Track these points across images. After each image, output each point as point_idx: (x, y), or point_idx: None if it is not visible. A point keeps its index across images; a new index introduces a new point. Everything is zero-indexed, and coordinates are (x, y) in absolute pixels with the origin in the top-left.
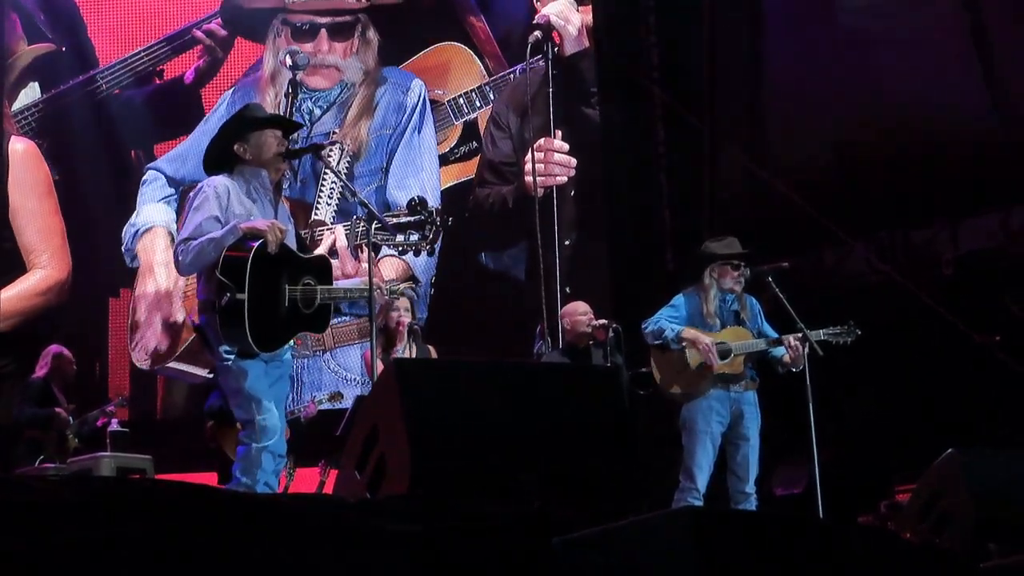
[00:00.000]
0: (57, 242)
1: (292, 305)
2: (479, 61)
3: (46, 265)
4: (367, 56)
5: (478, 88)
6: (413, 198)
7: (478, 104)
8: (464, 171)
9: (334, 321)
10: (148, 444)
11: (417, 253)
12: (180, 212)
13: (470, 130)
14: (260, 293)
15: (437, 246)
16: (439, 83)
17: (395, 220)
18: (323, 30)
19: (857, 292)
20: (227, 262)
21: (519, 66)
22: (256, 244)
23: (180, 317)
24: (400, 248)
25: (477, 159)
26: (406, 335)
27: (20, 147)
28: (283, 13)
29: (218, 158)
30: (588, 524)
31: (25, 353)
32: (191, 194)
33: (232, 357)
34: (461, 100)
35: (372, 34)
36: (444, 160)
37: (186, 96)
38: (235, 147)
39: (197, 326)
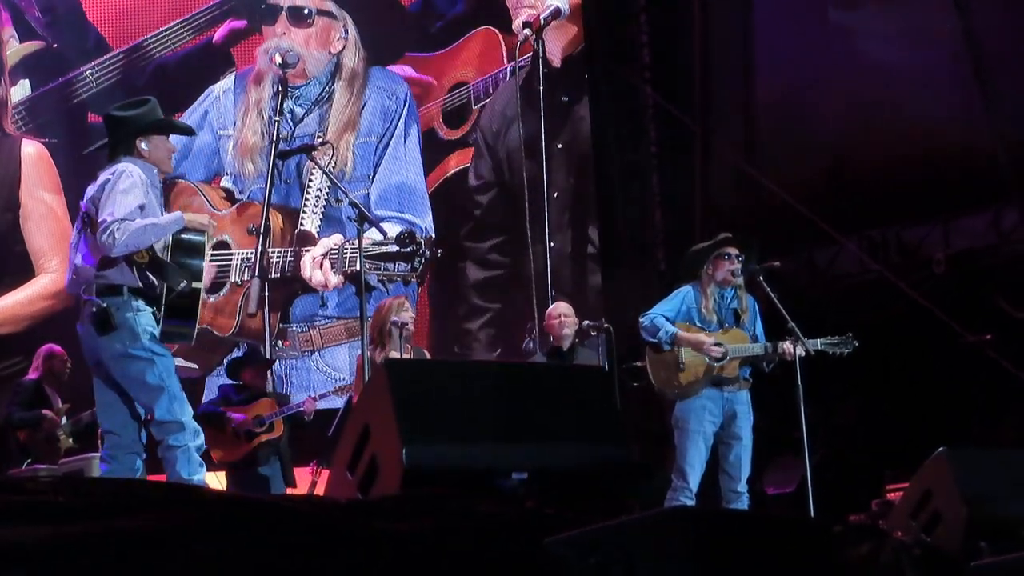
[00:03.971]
0: (66, 247)
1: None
2: (503, 45)
3: (56, 270)
4: (348, 55)
5: (492, 76)
6: (402, 232)
7: (491, 90)
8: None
9: (321, 322)
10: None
11: (406, 284)
12: (166, 207)
13: (482, 114)
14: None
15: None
16: (471, 66)
17: (383, 249)
18: (283, 13)
19: (849, 291)
20: (178, 250)
21: (509, 65)
22: (205, 238)
23: None
24: (387, 279)
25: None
26: (398, 336)
27: (32, 150)
28: None
29: (122, 138)
30: (580, 524)
31: (35, 352)
32: (110, 174)
33: (156, 349)
34: (481, 85)
35: (354, 33)
36: (457, 145)
37: (218, 56)
38: (136, 140)
39: (102, 308)
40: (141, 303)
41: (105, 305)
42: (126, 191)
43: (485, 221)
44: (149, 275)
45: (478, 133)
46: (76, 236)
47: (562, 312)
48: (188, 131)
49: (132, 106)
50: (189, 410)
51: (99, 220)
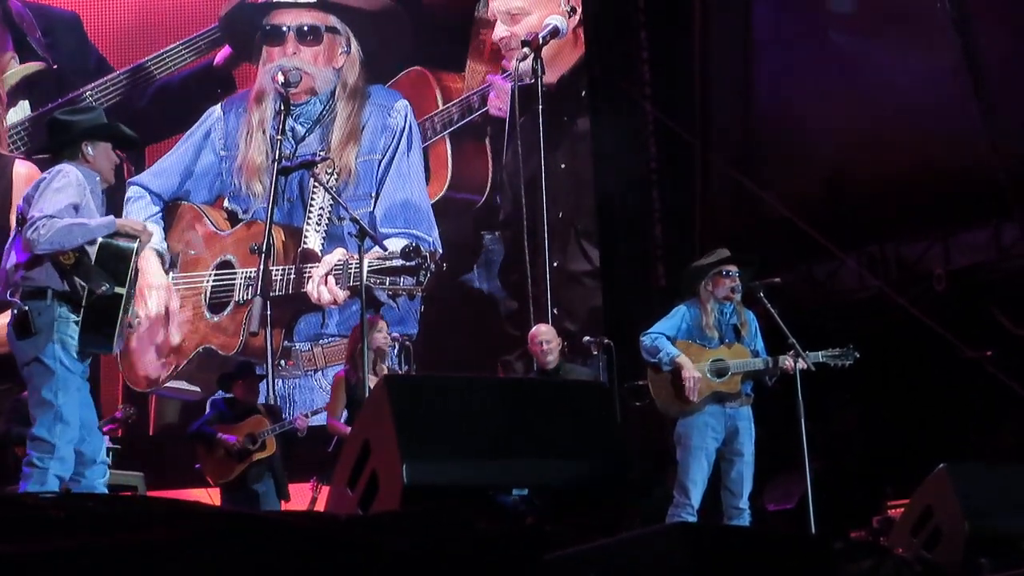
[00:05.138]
0: None
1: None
2: (435, 85)
3: None
4: (350, 71)
5: (428, 119)
6: (408, 245)
7: (428, 135)
8: None
9: (324, 341)
10: (141, 461)
11: (412, 298)
12: (166, 230)
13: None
14: (128, 292)
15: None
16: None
17: (388, 264)
18: (290, 33)
19: (849, 307)
20: (104, 254)
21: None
22: (136, 245)
23: (175, 340)
24: (393, 292)
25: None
26: (390, 353)
27: (24, 171)
28: (265, 17)
29: (68, 142)
30: (580, 540)
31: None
32: (47, 173)
33: (65, 362)
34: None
35: (355, 48)
36: None
37: (218, 78)
38: (83, 144)
39: (23, 311)
40: (66, 311)
41: (27, 308)
42: (59, 189)
43: (513, 253)
44: (74, 278)
45: (501, 168)
46: (10, 240)
47: (544, 339)
48: (134, 141)
49: (79, 111)
50: (70, 438)
51: (28, 217)
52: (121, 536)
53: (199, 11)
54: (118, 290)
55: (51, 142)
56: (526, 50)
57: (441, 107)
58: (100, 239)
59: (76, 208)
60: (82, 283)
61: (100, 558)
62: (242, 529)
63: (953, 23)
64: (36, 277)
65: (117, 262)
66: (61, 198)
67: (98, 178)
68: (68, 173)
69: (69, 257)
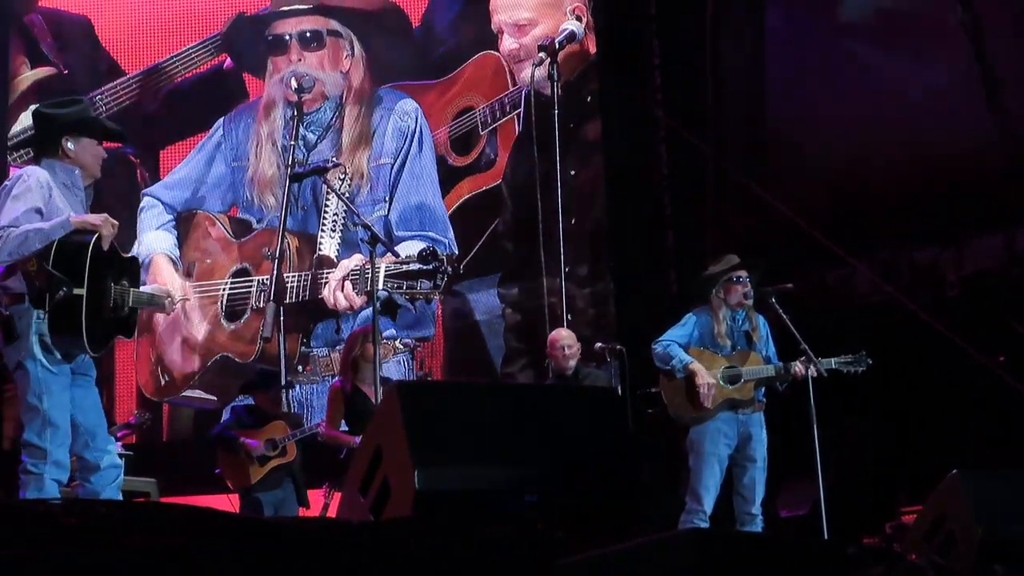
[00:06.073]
0: None
1: (115, 305)
2: (508, 69)
3: None
4: (356, 73)
5: (499, 100)
6: (425, 248)
7: (498, 115)
8: (484, 181)
9: (340, 346)
10: (154, 467)
11: (428, 301)
12: (181, 239)
13: (491, 140)
14: (94, 290)
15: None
16: (476, 92)
17: (405, 268)
18: (293, 40)
19: (861, 313)
20: (60, 255)
21: (523, 87)
22: (92, 239)
23: (191, 357)
24: (410, 296)
25: (494, 168)
26: (366, 368)
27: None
28: (266, 28)
29: (48, 137)
30: (591, 546)
31: None
32: (7, 181)
33: (45, 363)
34: (487, 110)
35: (359, 50)
36: (469, 171)
37: (230, 81)
38: (63, 139)
39: (6, 317)
40: (42, 312)
41: (8, 313)
42: (17, 196)
43: (514, 263)
44: (35, 284)
45: (502, 178)
46: None
47: (565, 343)
48: (118, 134)
49: (62, 104)
50: (62, 441)
51: None
52: (133, 541)
53: (210, 14)
54: (77, 291)
55: (34, 136)
56: (542, 55)
57: (512, 88)
58: (57, 240)
59: (40, 212)
60: (44, 288)
61: (112, 561)
62: (255, 535)
63: (965, 30)
64: (12, 285)
65: (75, 258)
66: (18, 205)
67: (78, 171)
68: (28, 177)
69: (32, 264)
